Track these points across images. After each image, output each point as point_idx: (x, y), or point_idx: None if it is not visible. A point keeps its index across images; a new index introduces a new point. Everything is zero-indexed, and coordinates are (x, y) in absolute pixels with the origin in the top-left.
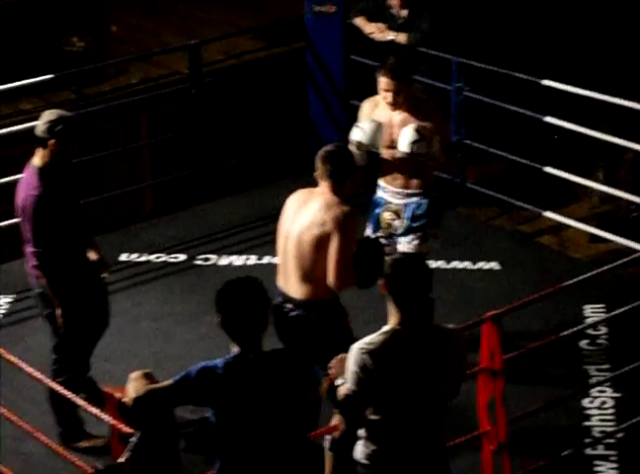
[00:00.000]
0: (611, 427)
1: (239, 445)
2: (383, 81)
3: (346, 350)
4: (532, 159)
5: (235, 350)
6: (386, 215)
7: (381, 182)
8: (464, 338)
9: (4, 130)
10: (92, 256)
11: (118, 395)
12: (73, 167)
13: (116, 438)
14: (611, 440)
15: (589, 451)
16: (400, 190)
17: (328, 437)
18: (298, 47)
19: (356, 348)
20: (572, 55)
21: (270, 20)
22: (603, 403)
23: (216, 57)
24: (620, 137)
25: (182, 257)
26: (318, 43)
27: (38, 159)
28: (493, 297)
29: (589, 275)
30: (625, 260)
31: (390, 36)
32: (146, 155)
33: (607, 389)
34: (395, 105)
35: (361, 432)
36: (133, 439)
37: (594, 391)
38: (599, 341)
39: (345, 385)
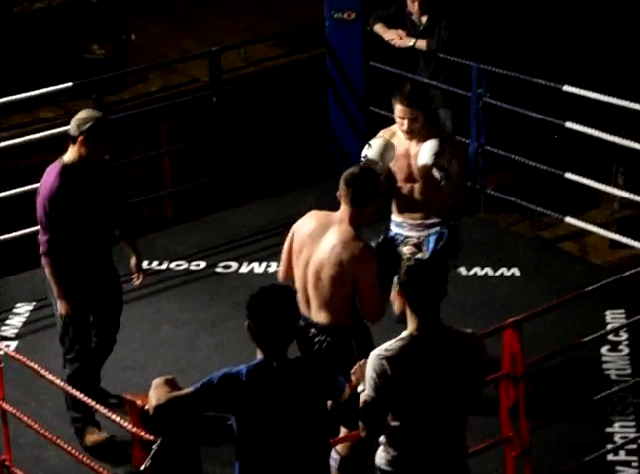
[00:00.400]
0: (633, 432)
1: (260, 452)
2: (399, 108)
3: None
4: (553, 165)
5: (259, 356)
6: (406, 250)
7: (397, 217)
8: (483, 342)
9: (24, 138)
10: (132, 259)
11: (139, 403)
12: (111, 169)
13: (137, 446)
14: (633, 446)
15: (611, 457)
16: (420, 221)
17: (335, 457)
18: (318, 54)
19: (374, 354)
20: (592, 61)
21: (290, 27)
22: (625, 409)
23: (236, 64)
24: None
25: (202, 264)
26: (338, 50)
27: (67, 155)
28: (514, 303)
29: (610, 280)
30: None
31: (410, 42)
32: (166, 163)
33: (629, 395)
34: (411, 133)
35: (382, 438)
36: (155, 447)
37: (615, 397)
38: (620, 346)
39: (365, 392)
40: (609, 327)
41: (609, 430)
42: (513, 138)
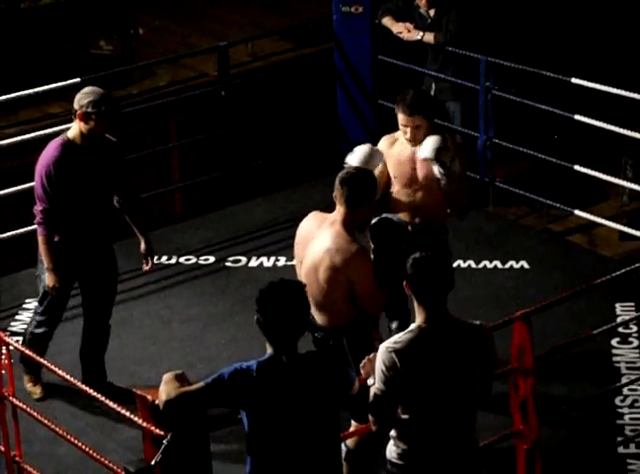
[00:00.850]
0: None
1: (271, 447)
2: (401, 117)
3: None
4: (562, 157)
5: (269, 351)
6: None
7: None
8: (492, 334)
9: (33, 135)
10: (141, 244)
11: (150, 398)
12: (117, 150)
13: (148, 441)
14: None
15: (621, 450)
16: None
17: (343, 449)
18: (326, 48)
19: (383, 347)
20: (601, 53)
21: (297, 21)
22: (635, 401)
23: (244, 59)
24: None
25: (212, 259)
26: (346, 44)
27: (70, 130)
28: (523, 296)
29: (619, 273)
30: None
31: (418, 35)
32: (175, 157)
33: (639, 387)
34: (414, 141)
35: (392, 431)
36: (165, 442)
37: (625, 389)
38: (630, 339)
39: (374, 385)
40: (619, 319)
41: (620, 422)
42: (521, 131)
